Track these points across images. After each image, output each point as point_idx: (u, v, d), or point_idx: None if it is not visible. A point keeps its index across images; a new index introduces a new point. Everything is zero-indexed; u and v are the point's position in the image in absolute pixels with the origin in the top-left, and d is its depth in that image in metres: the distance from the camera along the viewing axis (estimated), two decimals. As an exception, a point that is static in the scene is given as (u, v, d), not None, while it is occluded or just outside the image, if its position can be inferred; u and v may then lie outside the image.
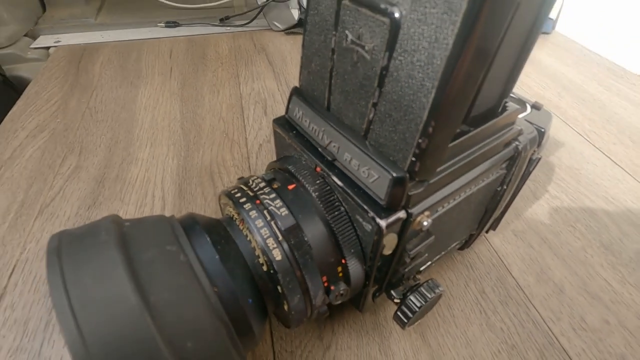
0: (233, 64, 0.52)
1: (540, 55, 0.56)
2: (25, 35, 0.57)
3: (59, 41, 0.56)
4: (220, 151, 0.38)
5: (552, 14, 0.60)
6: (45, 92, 0.46)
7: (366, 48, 0.15)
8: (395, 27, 0.13)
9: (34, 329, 0.24)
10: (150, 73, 0.50)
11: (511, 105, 0.19)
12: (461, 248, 0.27)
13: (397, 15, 0.13)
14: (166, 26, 0.61)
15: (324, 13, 0.16)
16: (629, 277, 0.28)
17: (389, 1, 0.13)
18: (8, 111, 0.43)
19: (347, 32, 0.15)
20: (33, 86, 0.47)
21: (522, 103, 0.23)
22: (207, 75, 0.50)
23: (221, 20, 0.62)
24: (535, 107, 0.23)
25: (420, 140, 0.14)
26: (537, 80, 0.50)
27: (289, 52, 0.55)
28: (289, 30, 0.60)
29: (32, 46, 0.55)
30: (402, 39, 0.13)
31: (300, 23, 0.59)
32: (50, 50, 0.55)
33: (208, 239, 0.17)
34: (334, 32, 0.16)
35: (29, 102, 0.44)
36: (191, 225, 0.17)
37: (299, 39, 0.59)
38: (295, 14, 0.58)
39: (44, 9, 0.63)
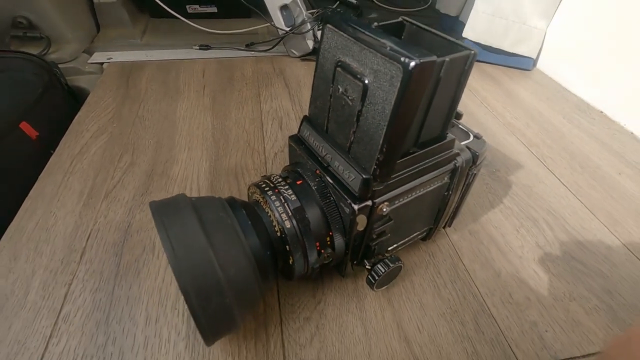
0: (255, 85, 0.62)
1: (519, 89, 0.65)
2: (84, 52, 0.68)
3: (110, 58, 0.67)
4: (243, 157, 0.47)
5: (532, 54, 0.69)
6: (102, 101, 0.56)
7: (350, 98, 0.24)
8: (365, 88, 0.22)
9: (107, 277, 0.33)
10: (187, 89, 0.60)
11: (451, 135, 0.28)
12: (424, 239, 0.36)
13: (366, 81, 0.22)
14: (200, 48, 0.72)
15: (326, 72, 0.26)
16: (553, 269, 0.36)
17: (362, 73, 0.22)
18: (73, 115, 0.53)
19: (339, 86, 0.25)
20: (92, 96, 0.57)
21: (466, 134, 0.32)
22: (234, 93, 0.60)
23: (247, 45, 0.72)
24: (477, 137, 0.32)
25: (379, 156, 0.23)
26: (511, 111, 0.59)
27: (303, 76, 0.65)
28: (304, 57, 0.70)
29: (89, 61, 0.66)
30: (369, 96, 0.22)
31: (314, 52, 0.69)
32: (104, 65, 0.66)
33: (244, 212, 0.26)
34: (331, 85, 0.25)
35: (90, 109, 0.54)
36: (232, 203, 0.26)
37: (312, 65, 0.69)
38: (310, 44, 0.68)
39: (98, 30, 0.74)
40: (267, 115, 0.55)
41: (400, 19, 0.27)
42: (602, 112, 0.60)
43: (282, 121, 0.54)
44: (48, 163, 0.45)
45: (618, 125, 0.57)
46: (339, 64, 0.24)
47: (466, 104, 0.60)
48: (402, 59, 0.19)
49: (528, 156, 0.50)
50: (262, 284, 0.25)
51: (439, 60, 0.21)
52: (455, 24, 0.79)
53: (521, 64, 0.70)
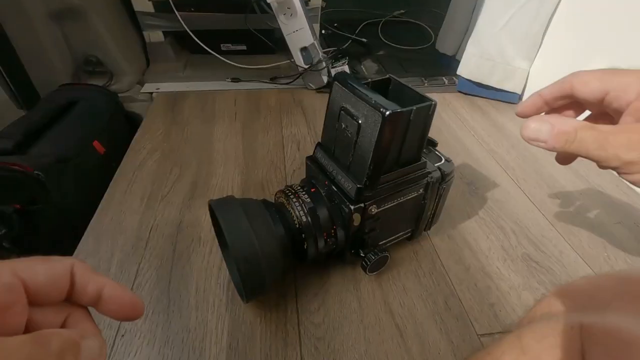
0: (278, 113, 0.74)
1: (504, 120, 0.75)
2: (137, 83, 0.82)
3: (158, 88, 0.81)
4: (268, 172, 0.58)
5: (518, 90, 0.79)
6: (154, 124, 0.69)
7: (349, 132, 0.35)
8: (359, 127, 0.33)
9: (166, 259, 0.44)
10: (221, 115, 0.73)
11: (424, 159, 0.38)
12: (409, 239, 0.46)
13: (360, 122, 0.33)
14: (232, 81, 0.85)
15: (334, 113, 0.37)
16: (512, 267, 0.45)
17: (357, 116, 0.33)
18: (130, 136, 0.66)
19: (342, 123, 0.36)
20: (146, 120, 0.70)
21: (439, 158, 0.42)
22: (260, 120, 0.72)
23: (271, 79, 0.85)
24: (447, 160, 0.42)
25: (368, 172, 0.34)
26: (495, 139, 0.69)
27: (318, 106, 0.77)
28: (319, 90, 0.82)
29: (141, 91, 0.80)
30: (362, 131, 0.33)
31: (328, 85, 0.81)
32: (154, 94, 0.80)
33: (273, 209, 0.37)
34: (337, 122, 0.36)
35: (145, 131, 0.67)
36: (265, 203, 0.37)
37: (326, 97, 0.81)
38: (325, 79, 0.80)
39: (148, 64, 0.88)
40: (288, 139, 0.66)
41: (387, 76, 0.38)
42: (574, 141, 0.69)
43: (299, 144, 0.65)
44: (115, 174, 0.57)
45: (587, 153, 0.66)
46: (342, 108, 0.35)
47: (456, 131, 0.70)
48: (381, 109, 0.30)
49: (504, 177, 0.60)
50: (284, 261, 0.36)
51: (407, 110, 0.32)
52: (451, 62, 0.90)
53: (508, 97, 0.81)
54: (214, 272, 0.43)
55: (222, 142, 0.65)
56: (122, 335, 0.36)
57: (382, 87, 0.37)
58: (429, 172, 0.39)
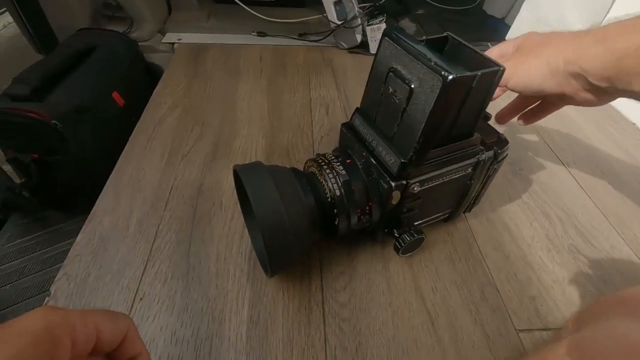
0: (306, 73, 0.69)
1: (554, 95, 0.68)
2: (158, 32, 0.77)
3: (180, 39, 0.76)
4: (293, 137, 0.55)
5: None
6: (175, 77, 0.65)
7: (397, 98, 0.30)
8: (411, 92, 0.29)
9: (186, 222, 0.42)
10: (246, 72, 0.68)
11: (477, 134, 0.34)
12: (446, 220, 0.42)
13: (412, 86, 0.28)
14: (257, 35, 0.79)
15: (380, 74, 0.32)
16: (557, 258, 0.41)
17: (410, 79, 0.29)
18: (150, 89, 0.62)
19: (389, 87, 0.31)
20: (167, 73, 0.66)
21: (493, 134, 0.37)
22: (287, 79, 0.67)
23: (299, 35, 0.79)
24: (501, 137, 0.37)
25: (416, 145, 0.29)
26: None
27: (350, 67, 0.71)
28: (352, 50, 0.75)
29: (162, 41, 0.75)
30: (413, 98, 0.29)
31: (361, 45, 0.74)
32: (175, 45, 0.75)
33: (304, 179, 0.33)
34: (383, 85, 0.32)
35: (166, 84, 0.63)
36: (296, 172, 0.34)
37: (358, 57, 0.75)
38: (359, 37, 0.73)
39: (170, 12, 0.83)
40: (316, 102, 0.62)
41: (445, 34, 0.33)
42: (634, 124, 0.62)
43: (328, 108, 0.61)
44: (135, 128, 0.54)
45: (648, 137, 0.60)
46: (392, 69, 0.30)
47: (499, 104, 0.64)
48: (443, 72, 0.26)
49: (552, 159, 0.54)
50: (313, 235, 0.33)
51: (472, 74, 0.27)
52: (500, 26, 0.81)
53: (561, 70, 0.72)
54: (235, 240, 0.40)
55: (246, 100, 0.61)
56: (141, 299, 0.35)
57: (437, 47, 0.32)
58: (482, 150, 0.35)
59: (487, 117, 0.38)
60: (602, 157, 0.55)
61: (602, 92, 0.31)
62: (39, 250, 0.57)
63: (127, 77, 0.62)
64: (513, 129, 0.59)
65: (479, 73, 0.27)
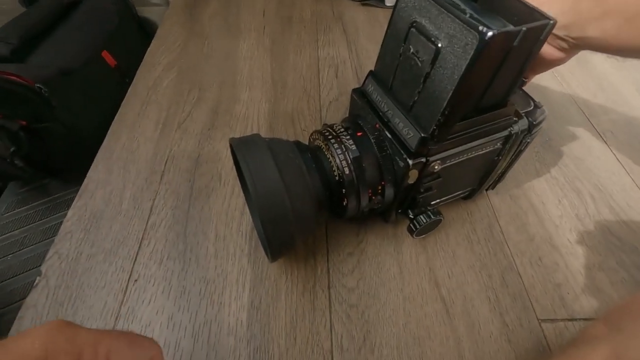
0: (313, 29, 0.62)
1: (592, 53, 0.61)
2: (151, -18, 0.70)
3: (175, -10, 0.69)
4: (299, 102, 0.50)
5: (618, 14, 0.62)
6: (170, 35, 0.59)
7: (420, 59, 0.25)
8: (437, 52, 0.24)
9: (183, 198, 0.39)
10: (248, 29, 0.62)
11: (511, 103, 0.29)
12: (465, 198, 0.38)
13: (440, 45, 0.23)
14: (260, -15, 0.71)
15: (399, 31, 0.27)
16: (588, 241, 0.37)
17: (436, 36, 0.23)
18: (144, 47, 0.57)
19: (411, 46, 0.26)
20: (161, 29, 0.60)
21: (528, 102, 0.32)
22: (292, 36, 0.60)
23: (307, -16, 0.71)
24: (537, 105, 0.32)
25: (440, 117, 0.25)
26: (579, 78, 0.56)
27: (362, 23, 0.64)
28: (365, 3, 0.68)
29: (156, -8, 0.68)
30: (440, 59, 0.24)
31: (376, -4, 0.67)
32: (169, -3, 0.68)
33: (308, 155, 0.29)
34: (403, 44, 0.26)
35: (161, 42, 0.58)
36: (299, 146, 0.30)
37: (372, 11, 0.67)
38: (373, -13, 0.65)
39: (163, -41, 0.75)
40: (324, 62, 0.56)
41: (480, -22, 0.27)
42: (683, 87, 0.55)
43: (338, 69, 0.55)
44: (127, 92, 0.50)
45: (698, 103, 0.53)
46: (414, 24, 0.25)
47: (530, 65, 0.57)
48: (481, 27, 0.20)
49: (587, 128, 0.49)
50: (318, 218, 0.29)
51: (515, 29, 0.22)
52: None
53: (602, 24, 0.64)
54: (235, 217, 0.37)
55: (247, 61, 0.55)
56: (135, 280, 0.33)
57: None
58: (514, 121, 0.30)
59: (523, 81, 0.33)
60: (643, 126, 0.49)
61: (562, 42, 0.30)
62: (38, 220, 0.56)
63: (117, 34, 0.56)
64: (541, 93, 0.53)
65: (524, 28, 0.22)
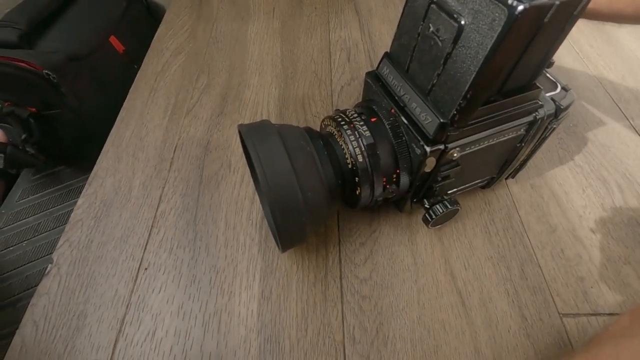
0: (325, 11, 0.60)
1: (621, 33, 0.57)
2: (158, -36, 0.68)
3: (183, -28, 0.67)
4: (310, 87, 0.48)
5: (651, -10, 0.58)
6: (178, 19, 0.58)
7: (440, 38, 0.23)
8: (460, 30, 0.22)
9: (192, 185, 0.38)
10: (257, 11, 0.60)
11: (537, 86, 0.27)
12: (484, 187, 0.37)
13: (463, 22, 0.22)
14: (269, -35, 0.68)
15: (418, 8, 0.25)
16: (614, 233, 0.35)
17: (459, 12, 0.22)
18: (152, 31, 0.56)
19: (430, 24, 0.24)
20: (169, 13, 0.59)
21: (554, 84, 0.30)
22: (303, 18, 0.58)
23: (318, -36, 0.68)
24: (564, 89, 0.30)
25: (461, 102, 0.23)
26: (606, 59, 0.53)
27: (376, 3, 0.61)
28: (378, -19, 0.65)
29: (163, -25, 0.67)
30: (463, 38, 0.22)
31: (390, -25, 0.63)
32: (177, -20, 0.66)
33: (320, 142, 0.28)
34: (422, 22, 0.25)
35: (168, 26, 0.57)
36: (311, 132, 0.28)
37: (386, -9, 0.64)
38: (387, -35, 0.62)
39: (171, -61, 0.73)
40: (336, 45, 0.54)
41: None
42: None
43: (350, 52, 0.53)
44: (136, 78, 0.49)
45: None
46: (435, 0, 0.23)
47: (554, 47, 0.54)
48: (510, 1, 0.19)
49: (614, 113, 0.46)
50: (330, 208, 0.28)
51: (549, 3, 0.20)
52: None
53: (633, 2, 0.60)
54: (245, 206, 0.37)
55: (257, 45, 0.54)
56: (146, 269, 0.33)
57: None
58: (540, 105, 0.28)
59: (550, 62, 0.30)
60: (676, 111, 0.46)
61: None
62: (52, 207, 0.57)
63: (125, 19, 0.55)
64: (564, 75, 0.50)
65: (557, 2, 0.20)
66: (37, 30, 0.47)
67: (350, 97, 0.47)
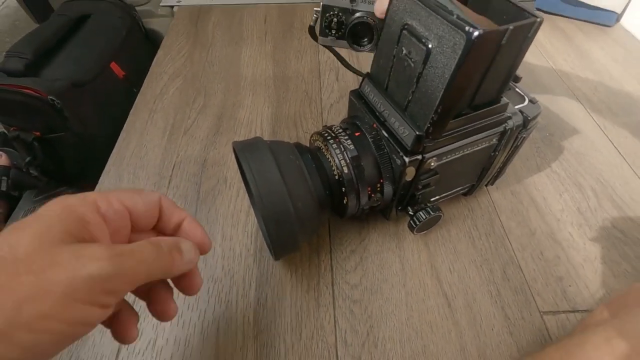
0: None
1: (593, 48, 0.61)
2: (156, -6, 0.72)
3: (180, 1, 0.71)
4: (301, 106, 0.51)
5: (617, 8, 0.62)
6: (176, 44, 0.61)
7: (412, 60, 0.26)
8: (428, 52, 0.24)
9: (190, 201, 0.40)
10: (250, 36, 0.63)
11: (505, 99, 0.29)
12: (466, 194, 0.39)
13: (430, 46, 0.24)
14: (262, -7, 0.73)
15: (392, 34, 0.28)
16: (590, 234, 0.38)
17: (427, 37, 0.24)
18: (151, 57, 0.59)
19: (403, 48, 0.27)
20: (167, 40, 0.62)
21: (522, 97, 0.33)
22: (294, 42, 0.62)
23: (307, -10, 0.72)
24: (531, 101, 0.32)
25: (433, 116, 0.26)
26: (580, 72, 0.56)
27: (362, 26, 0.65)
28: (364, 6, 0.69)
29: (161, 4, 0.71)
30: (431, 60, 0.25)
31: (375, -1, 0.68)
32: (174, 9, 0.70)
33: (309, 156, 0.30)
34: (396, 46, 0.27)
35: (166, 52, 0.60)
36: (299, 147, 0.31)
37: (371, 14, 0.68)
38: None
39: (168, -29, 0.77)
40: (325, 66, 0.57)
41: (470, -20, 0.28)
42: (686, 78, 0.55)
43: (338, 72, 0.56)
44: (135, 101, 0.52)
45: (701, 94, 0.53)
46: (406, 27, 0.26)
47: (529, 61, 0.58)
48: (467, 28, 0.21)
49: (588, 122, 0.49)
50: (320, 218, 0.30)
51: (502, 29, 0.22)
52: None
53: (601, 19, 0.64)
54: (241, 219, 0.39)
55: (250, 67, 0.57)
56: (146, 281, 0.34)
57: (461, -3, 0.27)
58: (508, 117, 0.31)
59: (517, 78, 0.33)
60: (646, 119, 0.49)
61: None
62: (54, 227, 0.58)
63: (125, 46, 0.58)
64: (541, 88, 0.53)
65: (511, 27, 0.23)
66: (42, 59, 0.50)
67: (339, 113, 0.50)
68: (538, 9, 0.68)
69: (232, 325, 0.32)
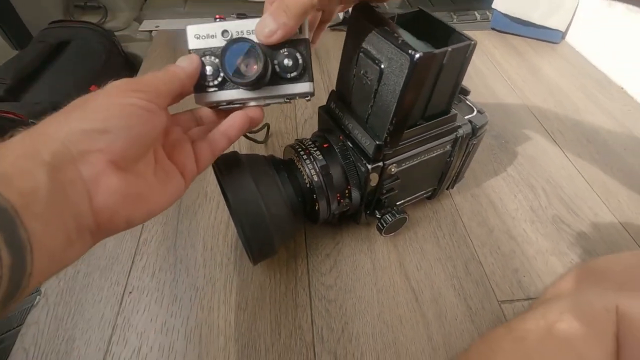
0: (288, 54, 0.67)
1: (542, 63, 0.67)
2: (134, 20, 0.75)
3: (158, 26, 0.74)
4: (278, 122, 0.54)
5: (562, 27, 0.69)
6: (154, 67, 0.63)
7: (369, 79, 0.30)
8: (381, 72, 0.28)
9: (171, 215, 0.42)
10: (227, 57, 0.66)
11: (454, 110, 0.33)
12: (429, 198, 0.42)
13: (382, 66, 0.28)
14: (237, 17, 0.77)
15: (351, 57, 0.31)
16: (541, 229, 0.41)
17: (379, 59, 0.28)
18: (131, 80, 0.61)
19: (361, 68, 0.30)
20: (146, 63, 0.65)
21: (471, 109, 0.37)
22: (269, 62, 0.65)
23: (280, 15, 0.76)
24: (479, 112, 0.37)
25: (389, 127, 0.29)
26: (531, 85, 0.62)
27: (332, 46, 0.70)
28: (333, 27, 0.73)
29: (139, 29, 0.73)
30: (384, 78, 0.28)
31: (344, 22, 0.72)
32: (153, 33, 0.73)
33: (282, 167, 0.33)
34: (355, 67, 0.31)
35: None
36: (273, 160, 0.34)
37: (341, 35, 0.72)
38: (340, 15, 0.71)
39: (146, -2, 0.80)
40: (299, 84, 0.60)
41: (417, 9, 0.32)
42: (622, 88, 0.62)
43: (311, 90, 0.59)
44: (116, 122, 0.54)
45: (635, 101, 0.59)
46: (362, 50, 0.30)
47: (486, 76, 0.63)
48: (410, 51, 0.25)
49: (538, 129, 0.54)
50: (294, 223, 0.33)
51: (441, 51, 0.26)
52: (487, -7, 0.79)
53: (549, 36, 0.71)
54: (221, 229, 0.41)
55: (227, 87, 0.60)
56: (130, 292, 0.36)
57: (410, 23, 0.31)
58: (459, 126, 0.34)
59: (466, 91, 0.37)
60: (589, 125, 0.55)
61: None
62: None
63: (105, 70, 0.60)
64: (496, 100, 0.59)
65: (449, 49, 0.27)
66: (22, 84, 0.51)
67: (313, 128, 0.53)
68: (493, 29, 0.75)
69: (214, 329, 0.33)
